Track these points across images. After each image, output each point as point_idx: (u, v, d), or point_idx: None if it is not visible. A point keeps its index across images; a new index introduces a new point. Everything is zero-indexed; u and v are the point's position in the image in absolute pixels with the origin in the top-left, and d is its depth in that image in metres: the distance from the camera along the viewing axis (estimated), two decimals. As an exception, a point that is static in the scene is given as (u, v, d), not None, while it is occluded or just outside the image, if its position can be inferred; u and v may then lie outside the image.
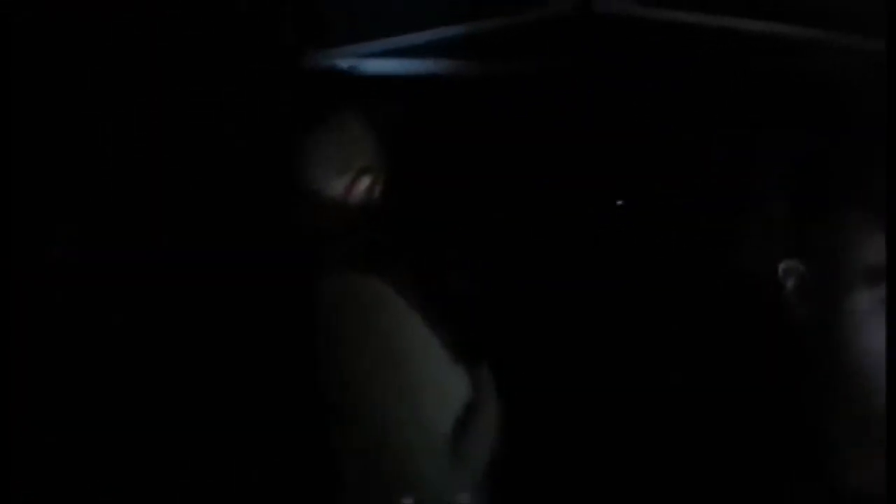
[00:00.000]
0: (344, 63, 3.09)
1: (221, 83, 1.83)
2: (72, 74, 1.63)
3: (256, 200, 1.78)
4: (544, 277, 3.15)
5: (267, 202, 1.80)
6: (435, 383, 1.83)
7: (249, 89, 1.87)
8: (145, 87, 1.73)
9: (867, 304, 1.06)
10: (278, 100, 1.94)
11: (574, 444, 2.33)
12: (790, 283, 1.14)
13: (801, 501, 1.14)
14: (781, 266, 1.15)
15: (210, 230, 1.70)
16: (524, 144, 3.22)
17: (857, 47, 2.58)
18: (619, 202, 3.21)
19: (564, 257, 3.26)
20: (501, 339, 2.14)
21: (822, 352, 1.11)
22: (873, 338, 1.04)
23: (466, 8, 3.19)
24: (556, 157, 3.22)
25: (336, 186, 2.02)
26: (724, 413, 1.26)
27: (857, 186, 1.09)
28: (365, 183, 2.05)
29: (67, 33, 1.50)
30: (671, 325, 2.76)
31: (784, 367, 1.18)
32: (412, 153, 2.29)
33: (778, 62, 2.77)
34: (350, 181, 2.04)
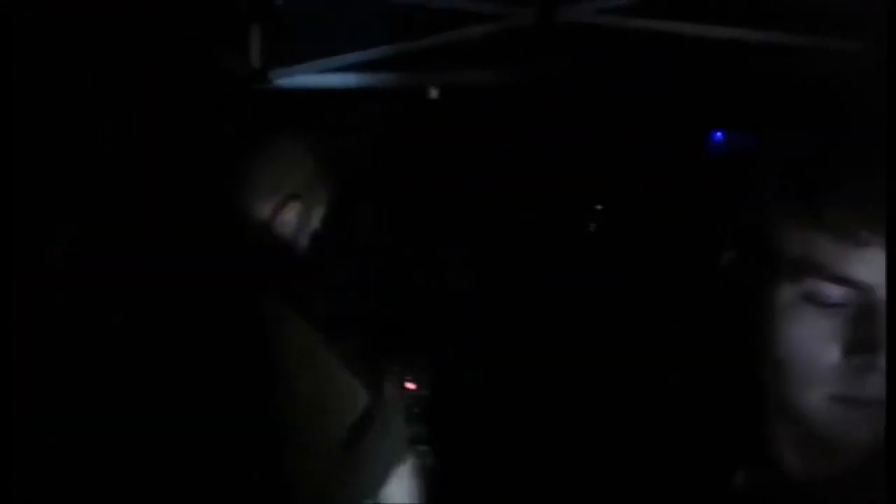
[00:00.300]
0: (288, 81, 3.11)
1: (174, 99, 1.84)
2: (42, 76, 1.63)
3: (194, 212, 1.78)
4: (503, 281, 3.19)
5: (202, 215, 1.80)
6: (326, 394, 1.86)
7: (194, 105, 1.88)
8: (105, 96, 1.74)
9: (789, 297, 1.07)
10: (220, 118, 1.95)
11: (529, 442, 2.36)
12: (727, 275, 1.16)
13: (747, 488, 1.15)
14: (723, 256, 1.17)
15: (154, 232, 1.70)
16: (489, 156, 3.25)
17: (823, 48, 2.64)
18: (598, 207, 3.25)
19: (524, 263, 3.30)
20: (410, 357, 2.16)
21: (749, 344, 1.13)
22: (793, 332, 1.07)
23: (427, 21, 3.21)
24: (521, 167, 3.25)
25: (263, 209, 1.94)
26: (677, 404, 1.29)
27: (787, 178, 1.12)
28: (293, 209, 1.97)
29: (62, 34, 1.50)
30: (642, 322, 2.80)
31: (721, 357, 1.21)
32: (367, 174, 2.29)
33: (742, 66, 2.83)
34: (277, 206, 1.95)
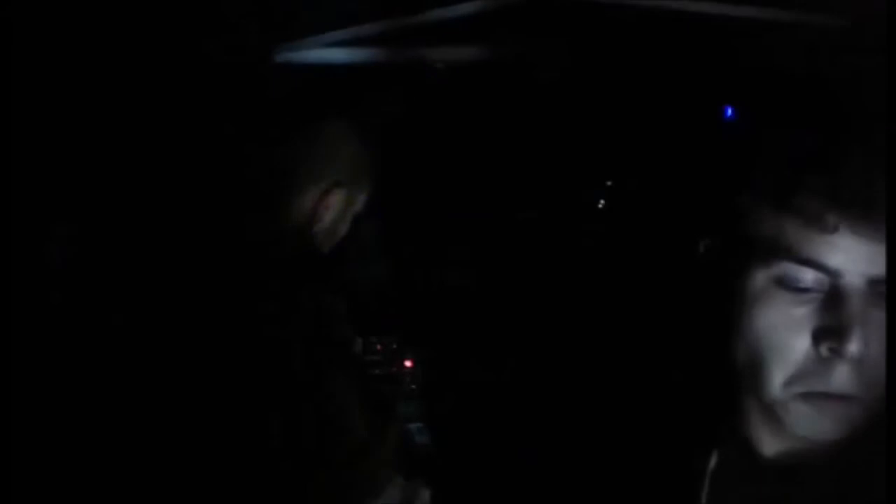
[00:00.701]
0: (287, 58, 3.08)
1: (195, 84, 1.83)
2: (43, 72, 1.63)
3: (228, 203, 1.76)
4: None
5: (237, 207, 1.78)
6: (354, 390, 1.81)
7: (223, 90, 1.86)
8: (118, 91, 1.74)
9: (762, 280, 1.09)
10: (255, 102, 1.90)
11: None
12: (705, 260, 1.19)
13: (720, 470, 1.17)
14: (701, 243, 1.20)
15: (179, 228, 1.70)
16: (481, 136, 3.25)
17: (807, 25, 2.64)
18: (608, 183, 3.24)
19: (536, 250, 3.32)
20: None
21: (724, 327, 1.14)
22: (766, 315, 1.09)
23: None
24: (517, 148, 3.25)
25: (305, 199, 1.85)
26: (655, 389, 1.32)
27: (759, 162, 1.13)
28: (337, 197, 1.87)
29: (63, 33, 1.51)
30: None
31: (696, 340, 1.23)
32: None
33: (730, 44, 2.83)
34: (320, 195, 1.86)
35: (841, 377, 1.04)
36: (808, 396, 1.07)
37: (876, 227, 1.05)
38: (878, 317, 1.05)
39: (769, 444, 1.13)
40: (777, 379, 1.07)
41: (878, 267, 1.05)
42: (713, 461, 1.16)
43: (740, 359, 1.11)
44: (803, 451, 1.10)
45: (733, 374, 1.12)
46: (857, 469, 1.09)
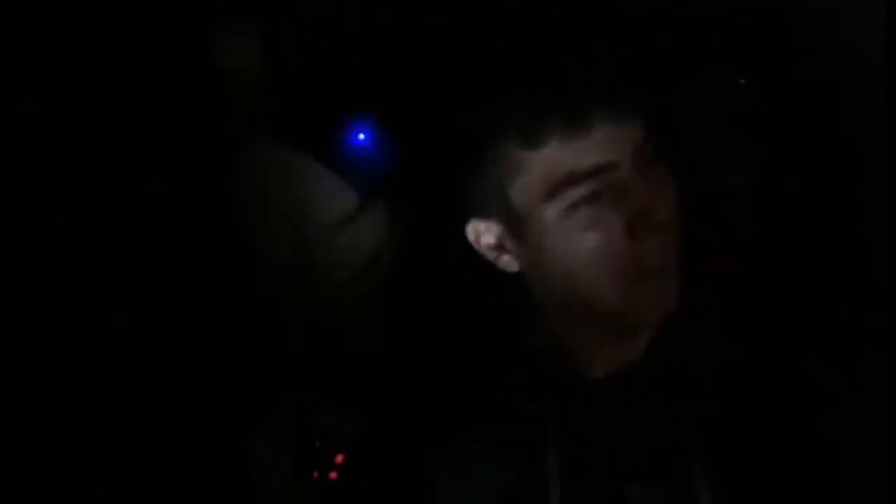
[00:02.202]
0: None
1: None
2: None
3: None
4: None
5: None
6: (333, 239, 1.89)
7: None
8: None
9: (555, 216, 1.05)
10: None
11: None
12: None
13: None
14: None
15: None
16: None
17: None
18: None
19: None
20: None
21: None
22: (561, 241, 1.06)
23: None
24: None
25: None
26: None
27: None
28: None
29: (67, 34, 1.49)
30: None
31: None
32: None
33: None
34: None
35: (654, 251, 1.03)
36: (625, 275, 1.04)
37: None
38: (656, 177, 1.04)
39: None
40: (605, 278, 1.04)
41: (636, 140, 1.04)
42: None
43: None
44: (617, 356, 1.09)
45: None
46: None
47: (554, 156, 1.05)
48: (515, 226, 1.09)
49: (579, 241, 1.05)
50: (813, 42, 1.90)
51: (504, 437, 1.10)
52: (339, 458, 1.76)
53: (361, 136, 2.04)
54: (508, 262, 1.12)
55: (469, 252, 1.13)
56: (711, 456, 1.08)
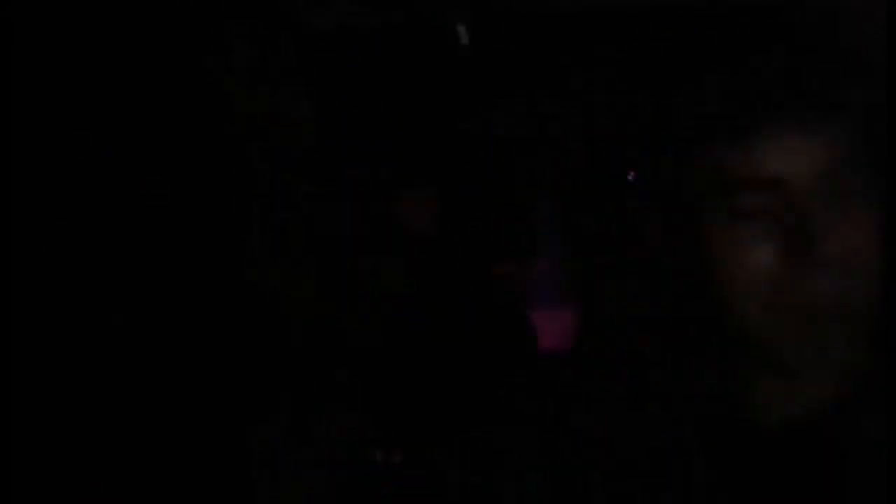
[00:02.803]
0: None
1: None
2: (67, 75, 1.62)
3: None
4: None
5: None
6: None
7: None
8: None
9: (712, 217, 1.01)
10: None
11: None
12: (637, 218, 1.12)
13: (703, 426, 1.11)
14: (629, 206, 1.13)
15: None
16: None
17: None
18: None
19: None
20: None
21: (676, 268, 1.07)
22: (729, 251, 1.00)
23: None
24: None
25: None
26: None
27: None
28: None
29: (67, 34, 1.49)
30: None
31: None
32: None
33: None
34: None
35: (812, 284, 0.96)
36: (775, 308, 0.98)
37: (807, 120, 0.97)
38: (840, 211, 0.97)
39: (758, 397, 1.04)
40: (746, 300, 0.98)
41: (824, 162, 0.97)
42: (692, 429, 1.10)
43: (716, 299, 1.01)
44: (795, 401, 1.01)
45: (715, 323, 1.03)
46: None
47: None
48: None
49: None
50: (813, 42, 1.90)
51: (504, 436, 1.10)
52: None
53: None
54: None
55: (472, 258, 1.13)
56: (711, 456, 1.07)
